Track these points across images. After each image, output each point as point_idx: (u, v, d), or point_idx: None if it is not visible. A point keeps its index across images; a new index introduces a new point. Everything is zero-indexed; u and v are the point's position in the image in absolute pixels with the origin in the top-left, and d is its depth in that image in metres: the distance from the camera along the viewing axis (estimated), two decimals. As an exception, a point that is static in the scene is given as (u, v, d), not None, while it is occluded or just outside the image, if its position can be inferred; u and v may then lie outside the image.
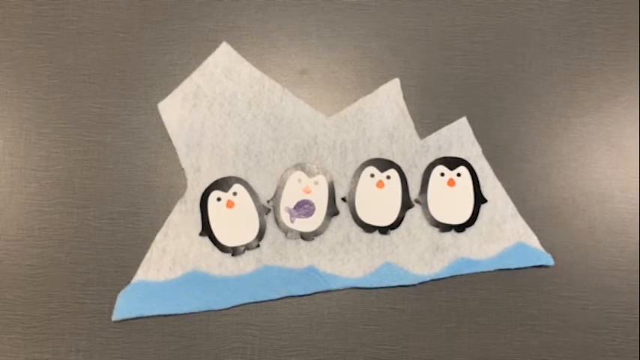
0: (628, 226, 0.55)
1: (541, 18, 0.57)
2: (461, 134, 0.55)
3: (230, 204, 0.53)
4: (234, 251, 0.52)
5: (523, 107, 0.56)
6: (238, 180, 0.53)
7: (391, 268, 0.53)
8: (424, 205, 0.54)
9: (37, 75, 0.55)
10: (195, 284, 0.52)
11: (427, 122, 0.55)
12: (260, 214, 0.53)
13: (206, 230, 0.53)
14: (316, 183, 0.54)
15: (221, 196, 0.53)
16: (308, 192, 0.54)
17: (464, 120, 0.55)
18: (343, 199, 0.54)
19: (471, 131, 0.55)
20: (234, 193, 0.53)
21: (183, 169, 0.54)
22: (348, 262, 0.53)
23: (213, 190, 0.53)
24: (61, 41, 0.56)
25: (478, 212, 0.54)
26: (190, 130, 0.54)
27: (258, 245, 0.53)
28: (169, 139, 0.54)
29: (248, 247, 0.52)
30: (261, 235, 0.53)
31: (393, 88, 0.56)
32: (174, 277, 0.52)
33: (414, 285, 0.53)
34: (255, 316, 0.52)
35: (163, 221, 0.53)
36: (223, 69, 0.55)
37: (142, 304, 0.51)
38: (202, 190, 0.53)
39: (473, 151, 0.55)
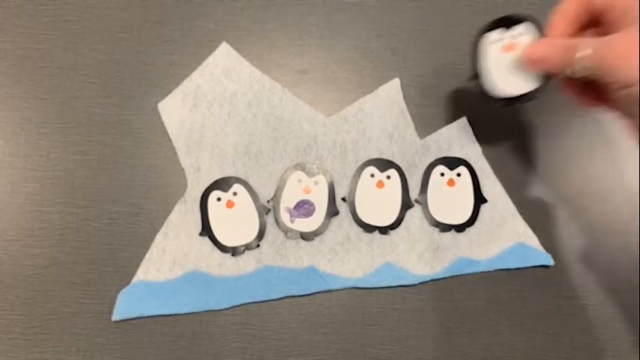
0: (628, 226, 0.55)
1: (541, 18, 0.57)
2: (461, 134, 0.55)
3: (230, 204, 0.53)
4: (234, 251, 0.52)
5: (523, 107, 0.56)
6: (238, 180, 0.53)
7: (391, 268, 0.53)
8: (424, 205, 0.54)
9: (37, 75, 0.55)
10: (195, 284, 0.52)
11: (427, 122, 0.56)
12: (260, 214, 0.53)
13: (206, 230, 0.53)
14: (316, 183, 0.54)
15: (221, 196, 0.53)
16: (308, 192, 0.54)
17: (464, 120, 0.55)
18: (343, 199, 0.54)
19: (470, 131, 0.55)
20: (234, 193, 0.53)
21: (183, 169, 0.54)
22: (348, 262, 0.53)
23: (213, 190, 0.53)
24: (61, 41, 0.56)
25: (478, 212, 0.54)
26: (190, 130, 0.54)
27: (258, 245, 0.53)
28: (169, 139, 0.54)
29: (248, 247, 0.52)
30: (261, 235, 0.53)
31: (393, 88, 0.56)
32: (174, 277, 0.52)
33: (414, 285, 0.53)
34: (255, 316, 0.52)
35: (163, 221, 0.53)
36: (223, 69, 0.55)
37: (142, 304, 0.51)
38: (202, 190, 0.53)
39: (473, 151, 0.55)
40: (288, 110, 0.55)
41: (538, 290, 0.53)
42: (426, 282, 0.53)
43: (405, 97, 0.56)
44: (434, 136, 0.55)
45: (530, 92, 0.47)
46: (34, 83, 0.55)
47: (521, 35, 0.47)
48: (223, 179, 0.53)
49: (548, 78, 0.46)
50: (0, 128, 0.54)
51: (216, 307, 0.52)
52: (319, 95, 0.56)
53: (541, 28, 0.46)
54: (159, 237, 0.53)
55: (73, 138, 0.54)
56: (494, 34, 0.48)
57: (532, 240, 0.54)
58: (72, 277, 0.52)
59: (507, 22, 0.48)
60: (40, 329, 0.52)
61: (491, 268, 0.53)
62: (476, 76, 0.49)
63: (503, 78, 0.48)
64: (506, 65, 0.48)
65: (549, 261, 0.53)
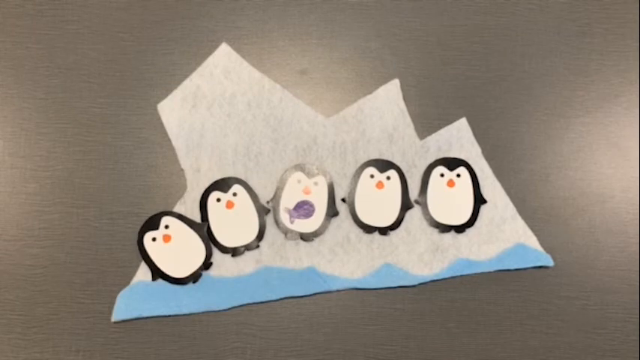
0: (628, 226, 0.55)
1: (541, 18, 0.57)
2: (460, 135, 0.55)
3: (230, 204, 0.53)
4: (234, 252, 0.52)
5: (523, 107, 0.56)
6: (238, 180, 0.53)
7: (391, 269, 0.53)
8: (424, 205, 0.54)
9: (37, 75, 0.55)
10: (195, 285, 0.52)
11: (427, 123, 0.55)
12: (260, 215, 0.53)
13: (206, 231, 0.53)
14: (316, 184, 0.54)
15: (221, 197, 0.53)
16: (308, 193, 0.54)
17: (463, 120, 0.55)
18: (343, 200, 0.54)
19: (470, 132, 0.55)
20: (234, 194, 0.53)
21: (182, 169, 0.54)
22: (347, 262, 0.53)
23: (212, 190, 0.53)
24: (61, 41, 0.56)
25: (478, 213, 0.54)
26: (190, 130, 0.54)
27: (258, 246, 0.53)
28: (169, 140, 0.54)
29: (248, 247, 0.52)
30: (260, 235, 0.53)
31: (392, 89, 0.56)
32: (174, 278, 0.52)
33: (414, 285, 0.53)
34: (255, 316, 0.52)
35: (163, 222, 0.53)
36: (223, 70, 0.55)
37: (142, 305, 0.51)
38: (202, 190, 0.53)
39: (472, 152, 0.55)
40: (287, 111, 0.55)
41: (538, 290, 0.53)
42: (426, 282, 0.53)
43: (404, 98, 0.56)
44: (434, 136, 0.55)
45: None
46: (34, 83, 0.55)
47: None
48: (223, 180, 0.53)
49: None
50: (0, 128, 0.54)
51: (215, 308, 0.52)
52: (319, 96, 0.56)
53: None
54: (159, 237, 0.53)
55: (73, 138, 0.54)
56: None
57: (532, 240, 0.54)
58: (72, 277, 0.52)
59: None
60: (40, 329, 0.52)
61: (491, 269, 0.53)
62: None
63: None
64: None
65: (549, 261, 0.53)
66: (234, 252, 0.52)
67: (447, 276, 0.52)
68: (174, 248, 0.52)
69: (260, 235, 0.53)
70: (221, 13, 0.57)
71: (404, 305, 0.53)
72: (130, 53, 0.56)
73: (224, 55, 0.56)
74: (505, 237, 0.54)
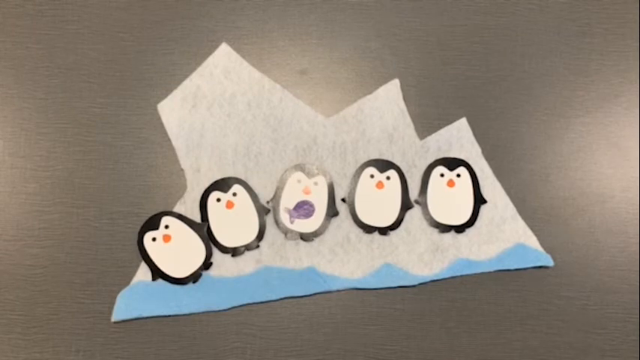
0: (628, 226, 0.55)
1: (541, 18, 0.57)
2: (460, 135, 0.55)
3: (230, 204, 0.53)
4: (234, 252, 0.52)
5: (523, 107, 0.56)
6: (238, 180, 0.53)
7: (391, 269, 0.53)
8: (424, 205, 0.54)
9: (37, 75, 0.55)
10: (195, 285, 0.52)
11: (427, 123, 0.55)
12: (260, 215, 0.53)
13: (206, 231, 0.53)
14: (316, 184, 0.54)
15: (221, 197, 0.53)
16: (308, 193, 0.54)
17: (463, 121, 0.55)
18: (343, 200, 0.54)
19: (470, 132, 0.55)
20: (234, 194, 0.53)
21: (182, 169, 0.54)
22: (347, 262, 0.53)
23: (212, 190, 0.53)
24: (61, 41, 0.56)
25: (478, 213, 0.54)
26: (190, 130, 0.54)
27: (258, 246, 0.53)
28: (169, 140, 0.54)
29: (248, 247, 0.52)
30: (260, 235, 0.53)
31: (392, 89, 0.56)
32: (174, 278, 0.52)
33: (414, 285, 0.53)
34: (255, 316, 0.52)
35: (163, 222, 0.53)
36: (223, 70, 0.55)
37: (142, 305, 0.51)
38: (202, 190, 0.53)
39: (472, 152, 0.55)
40: (287, 111, 0.55)
41: (538, 290, 0.53)
42: (426, 282, 0.53)
43: (404, 98, 0.56)
44: (434, 136, 0.55)
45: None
46: (34, 83, 0.55)
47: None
48: (223, 180, 0.53)
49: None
50: (0, 128, 0.54)
51: (215, 308, 0.52)
52: (319, 96, 0.56)
53: None
54: (159, 237, 0.53)
55: (73, 138, 0.54)
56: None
57: (532, 240, 0.54)
58: (72, 277, 0.52)
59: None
60: (40, 329, 0.52)
61: (491, 269, 0.53)
62: None
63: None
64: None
65: (549, 261, 0.53)
66: (234, 252, 0.52)
67: (447, 276, 0.53)
68: (174, 248, 0.52)
69: (260, 235, 0.53)
70: (221, 13, 0.57)
71: (404, 305, 0.53)
72: (130, 53, 0.56)
73: (224, 55, 0.56)
74: (505, 237, 0.54)
